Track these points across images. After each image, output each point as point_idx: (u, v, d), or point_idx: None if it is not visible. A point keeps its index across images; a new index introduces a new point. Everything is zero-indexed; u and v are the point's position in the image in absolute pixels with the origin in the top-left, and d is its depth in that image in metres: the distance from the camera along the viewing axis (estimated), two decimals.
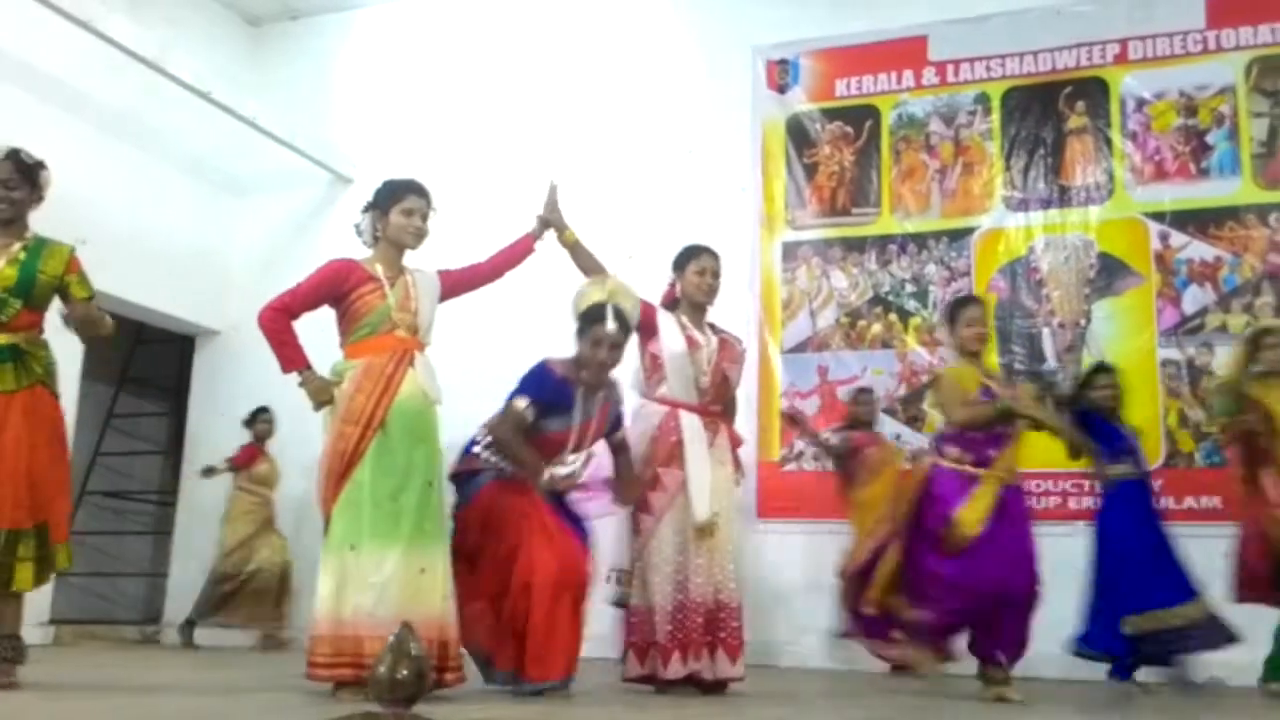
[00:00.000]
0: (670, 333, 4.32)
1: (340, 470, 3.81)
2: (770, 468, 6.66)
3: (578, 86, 7.45)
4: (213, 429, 7.92)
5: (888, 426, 6.46)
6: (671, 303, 4.50)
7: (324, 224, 7.83)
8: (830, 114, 6.94)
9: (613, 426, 4.10)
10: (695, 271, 4.45)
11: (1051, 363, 6.32)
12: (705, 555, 4.13)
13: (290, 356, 3.89)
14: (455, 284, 4.27)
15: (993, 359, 6.32)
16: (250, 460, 7.32)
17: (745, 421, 6.62)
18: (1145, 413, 6.04)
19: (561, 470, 3.92)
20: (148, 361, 8.86)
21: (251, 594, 7.09)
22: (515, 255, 4.44)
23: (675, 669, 4.11)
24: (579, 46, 7.53)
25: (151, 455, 8.99)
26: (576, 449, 3.98)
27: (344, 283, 3.94)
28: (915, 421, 6.47)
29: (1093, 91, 6.50)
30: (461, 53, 7.82)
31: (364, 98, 8.00)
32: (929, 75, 6.78)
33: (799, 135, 6.98)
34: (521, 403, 3.88)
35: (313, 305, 3.98)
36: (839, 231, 6.84)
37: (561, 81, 7.50)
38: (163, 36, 6.91)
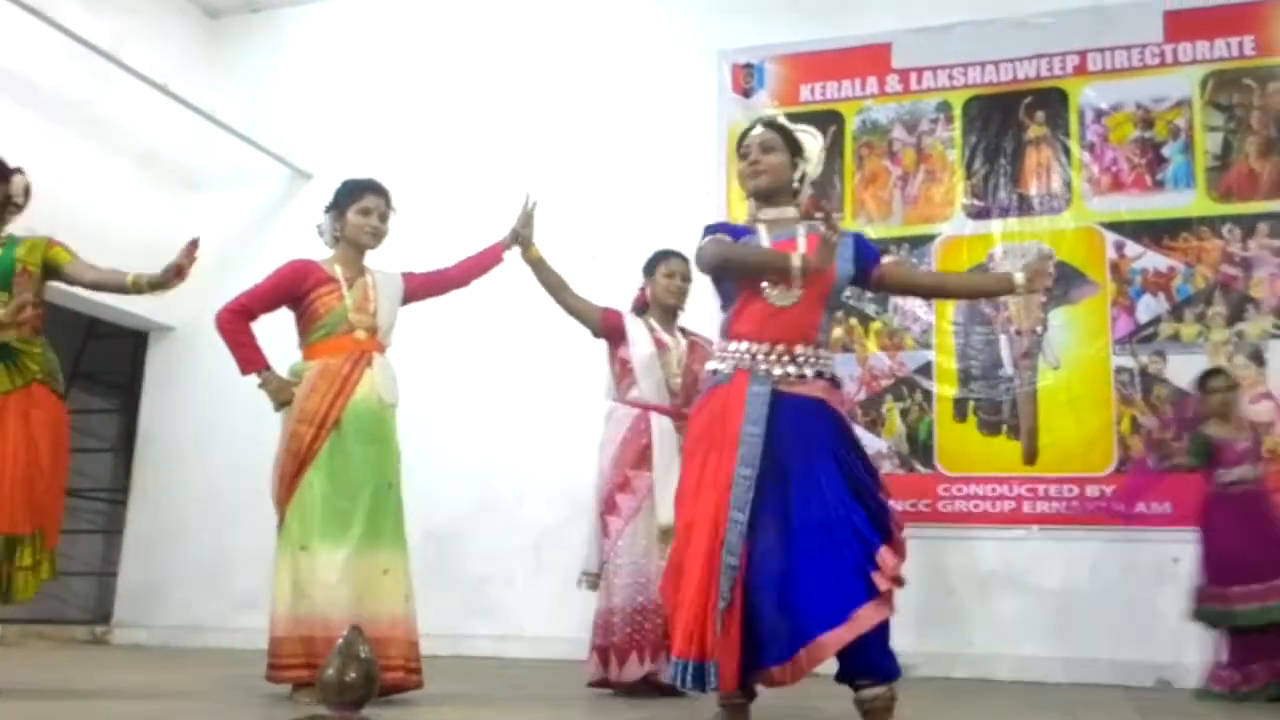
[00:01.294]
0: (639, 337, 4.36)
1: (293, 471, 3.80)
2: None
3: (541, 86, 7.42)
4: (166, 426, 7.82)
5: None
6: (642, 307, 4.52)
7: (282, 220, 7.75)
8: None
9: None
10: (664, 274, 4.51)
11: (1008, 369, 6.38)
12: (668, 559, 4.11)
13: (249, 357, 3.88)
14: (420, 287, 4.25)
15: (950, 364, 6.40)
16: None
17: None
18: (1098, 419, 6.14)
19: None
20: (99, 357, 8.72)
21: None
22: (484, 263, 4.42)
23: (632, 670, 4.13)
24: (543, 46, 7.50)
25: (102, 452, 8.85)
26: None
27: (302, 283, 3.92)
28: (875, 425, 6.51)
29: (1052, 102, 6.58)
30: (426, 50, 7.75)
31: (325, 92, 7.90)
32: (892, 82, 6.82)
33: None
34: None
35: (270, 306, 3.96)
36: None
37: (525, 81, 7.47)
38: (118, 26, 6.78)
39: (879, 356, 6.60)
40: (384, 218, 4.10)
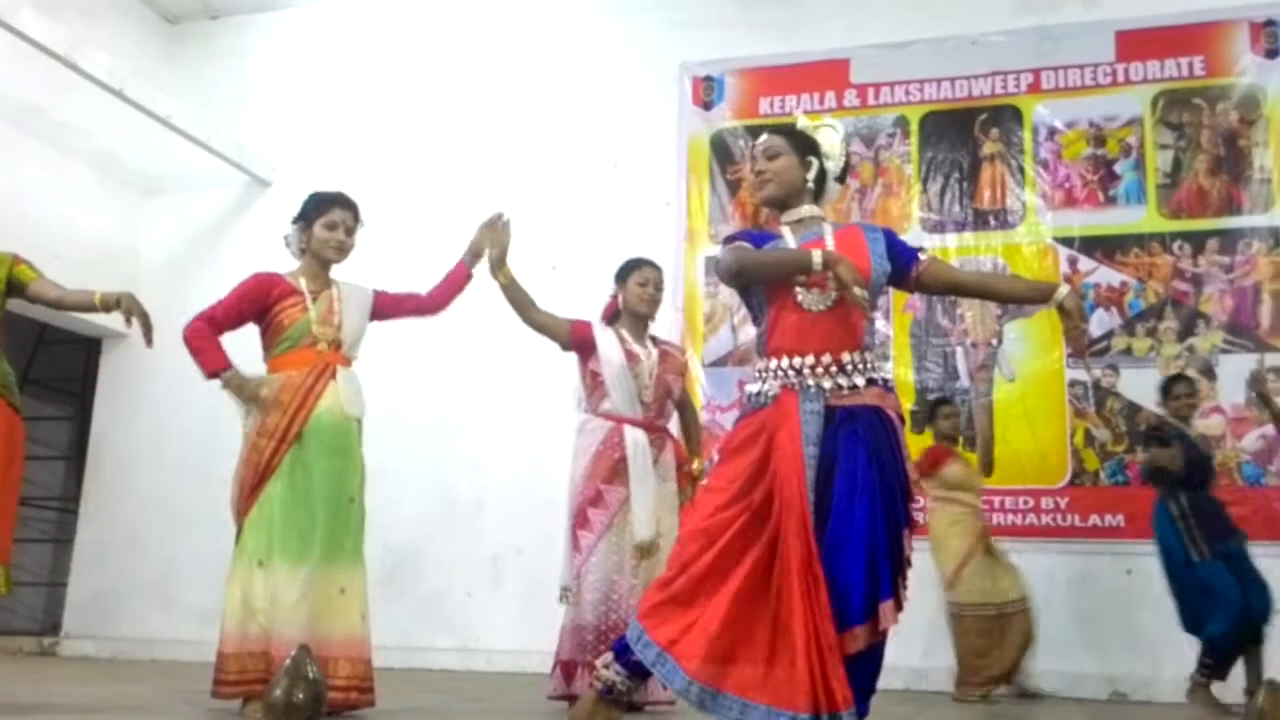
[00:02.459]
0: (609, 347, 4.27)
1: (253, 483, 3.75)
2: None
3: (503, 98, 7.42)
4: (119, 435, 7.72)
5: None
6: (614, 315, 4.48)
7: (239, 227, 7.70)
8: (754, 131, 6.96)
9: None
10: (637, 283, 4.43)
11: (964, 381, 6.45)
12: (642, 574, 4.02)
13: (211, 359, 3.82)
14: (390, 305, 4.20)
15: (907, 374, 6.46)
16: (938, 463, 5.76)
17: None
18: (1052, 431, 6.22)
19: None
20: (50, 364, 8.59)
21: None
22: (454, 285, 4.37)
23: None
24: (505, 57, 7.50)
25: (53, 460, 8.71)
26: None
27: (266, 296, 3.88)
28: None
29: (1007, 119, 6.68)
30: (386, 60, 7.73)
31: (284, 100, 7.86)
32: (850, 97, 6.89)
33: (723, 152, 7.04)
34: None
35: (236, 320, 3.91)
36: None
37: (487, 92, 7.46)
38: (74, 30, 6.70)
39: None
40: (350, 231, 4.05)
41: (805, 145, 3.01)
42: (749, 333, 6.80)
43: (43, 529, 8.62)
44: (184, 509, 7.32)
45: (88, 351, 8.11)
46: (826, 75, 6.92)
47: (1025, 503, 6.18)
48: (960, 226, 6.64)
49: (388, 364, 7.10)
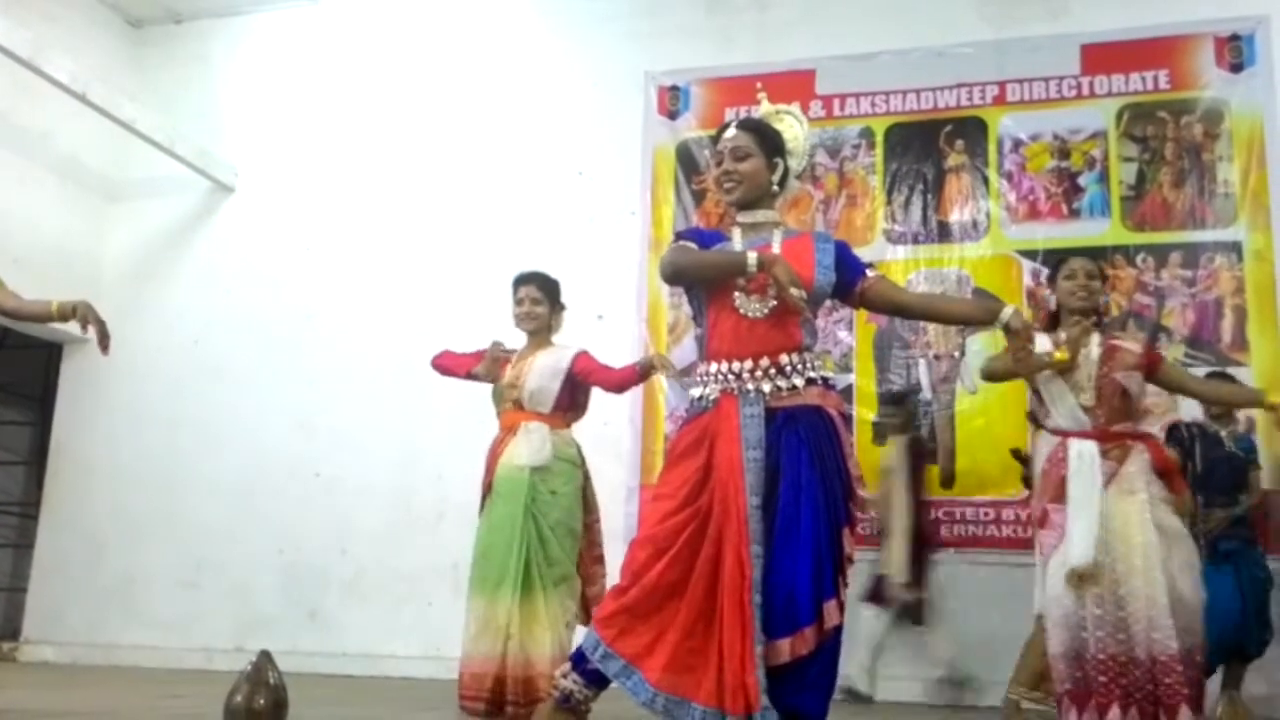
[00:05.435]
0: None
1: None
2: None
3: (468, 105, 7.40)
4: (80, 440, 7.67)
5: None
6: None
7: (203, 232, 7.68)
8: (719, 142, 6.99)
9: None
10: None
11: (927, 393, 6.45)
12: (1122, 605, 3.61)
13: (462, 362, 4.49)
14: (584, 371, 4.43)
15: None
16: None
17: (630, 446, 6.65)
18: (1013, 443, 6.20)
19: None
20: (11, 368, 8.53)
21: None
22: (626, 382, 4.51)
23: None
24: (470, 65, 7.48)
25: (13, 466, 8.64)
26: None
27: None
28: None
29: (972, 131, 6.68)
30: (351, 67, 7.70)
31: (248, 106, 7.82)
32: (816, 108, 6.88)
33: (688, 161, 7.03)
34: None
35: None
36: None
37: (451, 100, 7.44)
38: (37, 33, 6.66)
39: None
40: (536, 301, 4.45)
41: (774, 145, 2.98)
42: None
43: (3, 534, 8.56)
44: (145, 515, 7.29)
45: (48, 356, 8.05)
46: (792, 86, 6.86)
47: (986, 514, 6.18)
48: (925, 238, 6.64)
49: (351, 376, 7.12)
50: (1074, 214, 6.50)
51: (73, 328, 7.48)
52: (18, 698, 4.64)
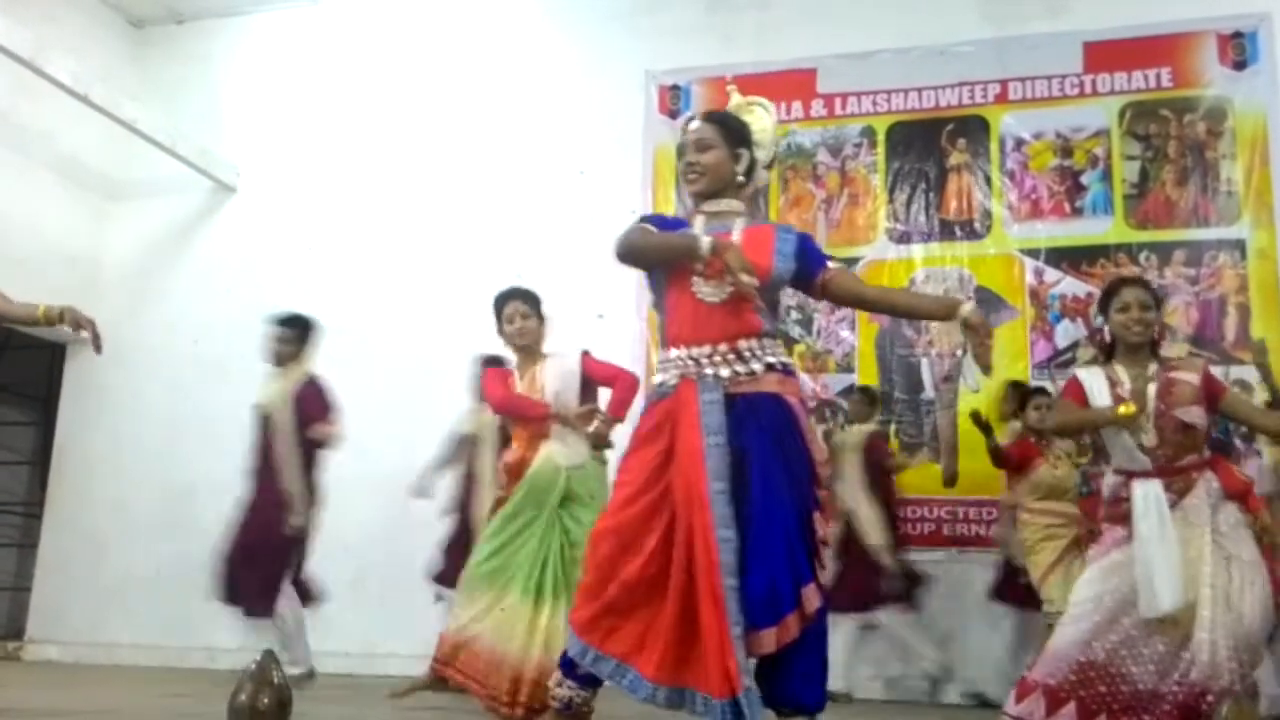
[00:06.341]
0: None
1: None
2: None
3: (469, 105, 7.40)
4: (83, 440, 7.68)
5: None
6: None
7: (204, 232, 7.69)
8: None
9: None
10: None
11: (929, 392, 6.44)
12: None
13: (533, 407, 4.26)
14: (595, 372, 4.40)
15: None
16: (1028, 459, 5.45)
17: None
18: None
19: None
20: (15, 369, 8.54)
21: None
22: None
23: None
24: (471, 63, 7.47)
25: (17, 466, 8.66)
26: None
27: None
28: None
29: (974, 129, 6.67)
30: (352, 66, 7.71)
31: (250, 106, 7.83)
32: (817, 107, 6.88)
33: None
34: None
35: None
36: None
37: (452, 99, 7.43)
38: (39, 34, 6.66)
39: (802, 379, 6.62)
40: (525, 316, 4.35)
41: (738, 136, 2.97)
42: None
43: (6, 534, 8.58)
44: (148, 514, 7.29)
45: (52, 357, 8.06)
46: (793, 85, 6.90)
47: (988, 513, 6.17)
48: (927, 237, 6.63)
49: (352, 375, 7.10)
50: (1077, 212, 6.48)
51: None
52: (22, 697, 4.66)
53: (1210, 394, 3.54)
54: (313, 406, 5.39)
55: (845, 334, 6.61)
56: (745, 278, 2.70)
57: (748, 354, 2.80)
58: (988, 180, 6.60)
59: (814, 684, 2.75)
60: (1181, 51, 6.48)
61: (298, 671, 5.17)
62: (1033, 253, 6.46)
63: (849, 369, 6.55)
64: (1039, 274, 6.42)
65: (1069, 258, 6.42)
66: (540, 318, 4.48)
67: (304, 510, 5.39)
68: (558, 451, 4.18)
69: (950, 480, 6.24)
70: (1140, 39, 6.53)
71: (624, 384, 4.32)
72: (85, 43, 7.57)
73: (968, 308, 2.81)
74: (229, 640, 6.79)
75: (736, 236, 2.86)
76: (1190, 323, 6.21)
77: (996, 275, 6.45)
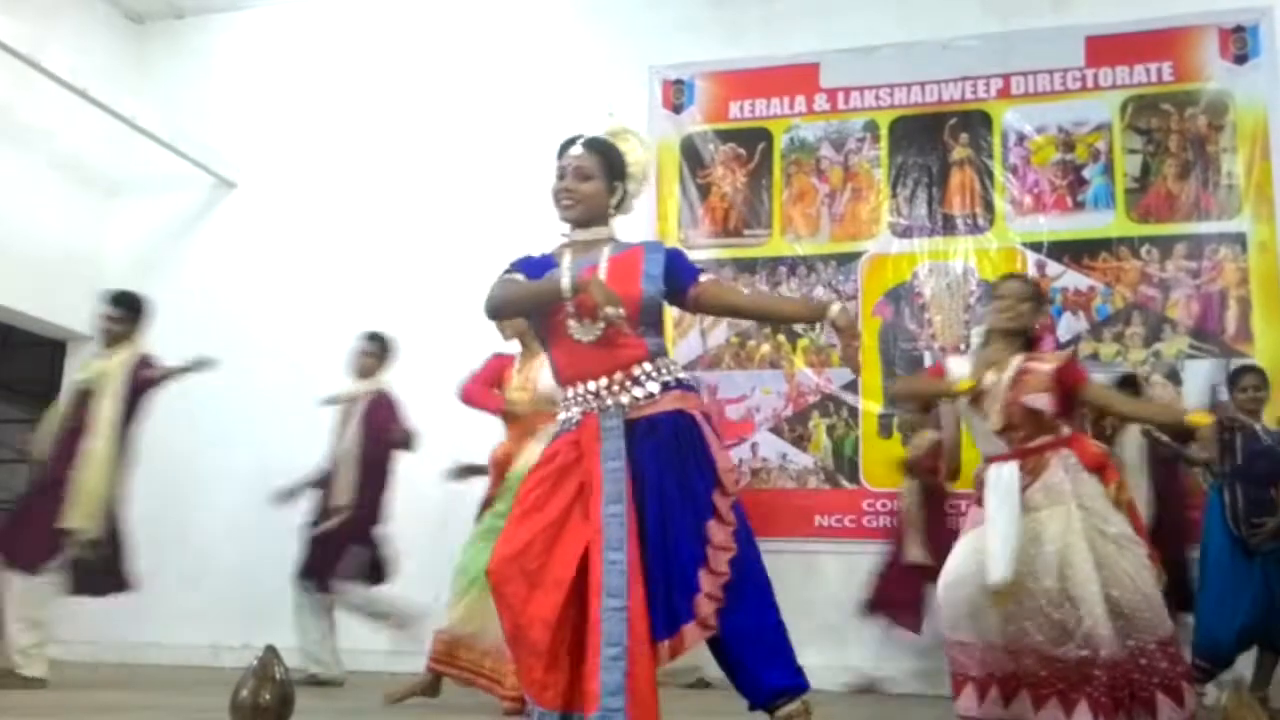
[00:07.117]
0: None
1: None
2: None
3: (471, 100, 7.38)
4: None
5: (773, 445, 6.57)
6: None
7: (205, 228, 7.66)
8: (724, 135, 7.00)
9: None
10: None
11: None
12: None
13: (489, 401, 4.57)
14: None
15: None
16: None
17: None
18: None
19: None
20: (15, 366, 8.51)
21: None
22: None
23: None
24: (473, 58, 7.46)
25: (17, 464, 8.61)
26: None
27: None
28: (802, 441, 6.55)
29: (976, 124, 6.68)
30: (354, 60, 7.68)
31: (250, 101, 7.79)
32: (820, 101, 6.89)
33: (693, 155, 7.02)
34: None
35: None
36: (730, 252, 6.91)
37: (454, 93, 7.42)
38: (38, 29, 6.63)
39: (806, 373, 6.65)
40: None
41: (617, 169, 2.98)
42: (718, 338, 6.80)
43: None
44: (150, 512, 7.23)
45: (52, 354, 8.03)
46: (796, 79, 6.91)
47: None
48: (929, 231, 6.65)
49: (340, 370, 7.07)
50: (1079, 206, 6.50)
51: (76, 324, 7.54)
52: (25, 696, 4.64)
53: (1065, 382, 3.70)
54: (147, 385, 5.37)
55: None
56: (610, 311, 2.68)
57: (643, 377, 2.81)
58: (990, 175, 6.61)
59: (776, 667, 2.77)
60: (1183, 45, 6.50)
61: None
62: (1035, 246, 6.48)
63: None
64: (1041, 267, 6.44)
65: (1071, 251, 6.44)
66: None
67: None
68: (538, 450, 4.20)
69: (953, 475, 6.26)
70: (1142, 33, 6.55)
71: None
72: (84, 38, 7.53)
73: (834, 309, 2.84)
74: (233, 638, 6.80)
75: (603, 266, 2.84)
76: (1191, 316, 6.23)
77: (999, 269, 6.45)
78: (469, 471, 5.54)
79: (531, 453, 4.20)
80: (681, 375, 2.89)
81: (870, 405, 6.48)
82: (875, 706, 5.34)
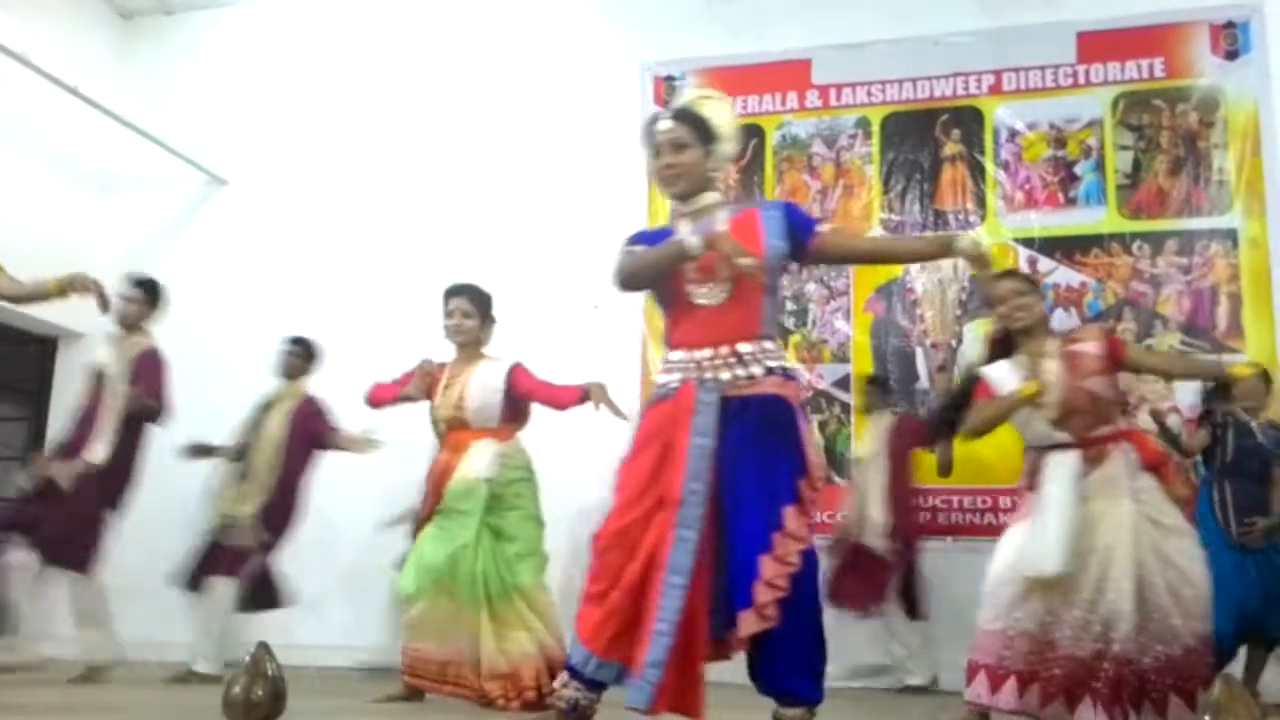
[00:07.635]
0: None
1: None
2: None
3: (462, 95, 7.37)
4: None
5: None
6: None
7: (196, 225, 7.64)
8: None
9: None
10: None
11: (924, 382, 6.46)
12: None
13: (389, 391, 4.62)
14: (524, 387, 4.39)
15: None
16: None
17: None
18: (1012, 432, 6.20)
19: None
20: (6, 363, 8.47)
21: None
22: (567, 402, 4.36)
23: None
24: (464, 55, 7.45)
25: (8, 461, 8.59)
26: None
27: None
28: None
29: (968, 120, 6.69)
30: (346, 57, 7.66)
31: (241, 97, 7.78)
32: (812, 98, 6.89)
33: None
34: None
35: None
36: None
37: (446, 91, 7.41)
38: (27, 26, 6.61)
39: (797, 369, 6.64)
40: (466, 314, 4.39)
41: (708, 133, 2.97)
42: None
43: None
44: (143, 510, 7.22)
45: (44, 351, 8.00)
46: (788, 75, 6.91)
47: (983, 502, 6.21)
48: (921, 227, 6.65)
49: (349, 369, 7.07)
50: (1070, 202, 6.52)
51: (68, 321, 7.52)
52: (20, 694, 4.64)
53: (1113, 357, 3.71)
54: (150, 375, 5.37)
55: (840, 324, 6.63)
56: (744, 261, 2.72)
57: (747, 358, 2.82)
58: (982, 171, 6.62)
59: (803, 676, 2.76)
60: (1174, 42, 6.51)
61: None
62: (1027, 242, 6.49)
63: (844, 359, 6.58)
64: (1033, 263, 6.45)
65: (1062, 247, 6.45)
66: (484, 318, 4.45)
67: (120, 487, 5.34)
68: (476, 466, 4.20)
69: (945, 469, 6.27)
70: (1133, 29, 6.57)
71: (554, 402, 4.32)
72: (74, 35, 7.52)
73: (963, 241, 2.90)
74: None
75: (723, 227, 2.87)
76: (1182, 311, 6.25)
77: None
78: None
79: (466, 466, 4.19)
80: (786, 364, 2.91)
81: (862, 401, 6.48)
82: (868, 700, 5.35)
